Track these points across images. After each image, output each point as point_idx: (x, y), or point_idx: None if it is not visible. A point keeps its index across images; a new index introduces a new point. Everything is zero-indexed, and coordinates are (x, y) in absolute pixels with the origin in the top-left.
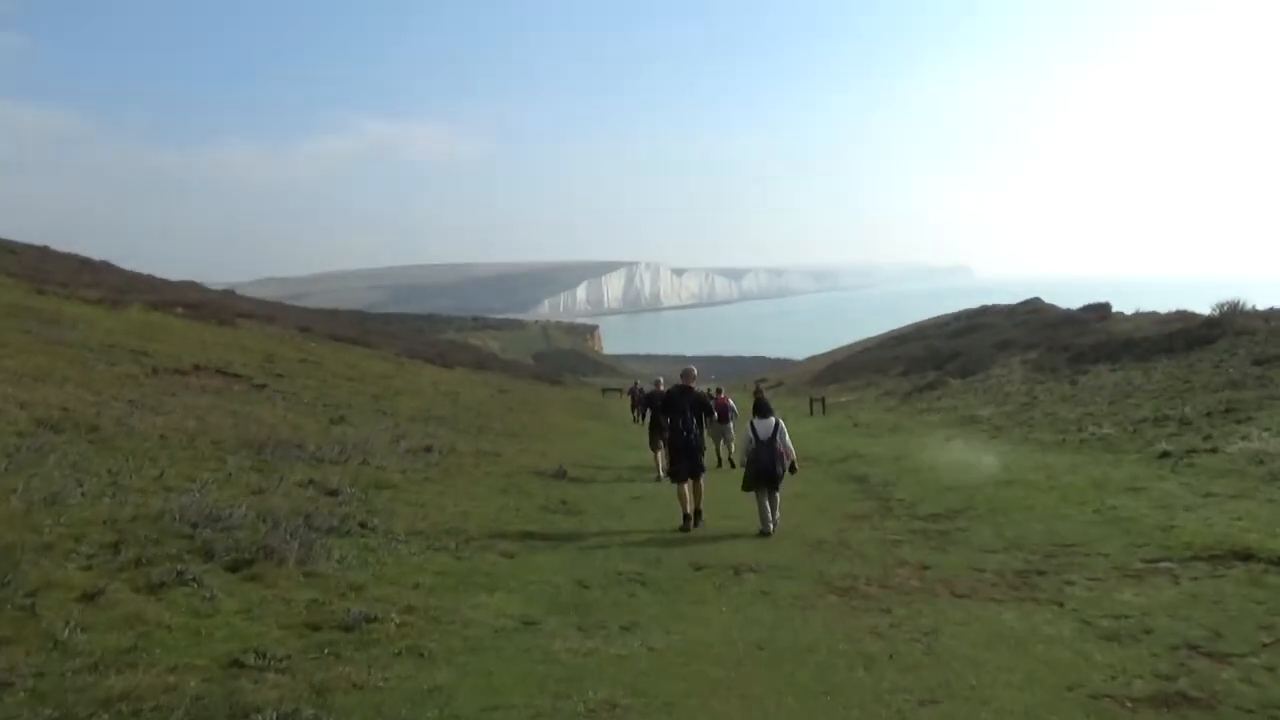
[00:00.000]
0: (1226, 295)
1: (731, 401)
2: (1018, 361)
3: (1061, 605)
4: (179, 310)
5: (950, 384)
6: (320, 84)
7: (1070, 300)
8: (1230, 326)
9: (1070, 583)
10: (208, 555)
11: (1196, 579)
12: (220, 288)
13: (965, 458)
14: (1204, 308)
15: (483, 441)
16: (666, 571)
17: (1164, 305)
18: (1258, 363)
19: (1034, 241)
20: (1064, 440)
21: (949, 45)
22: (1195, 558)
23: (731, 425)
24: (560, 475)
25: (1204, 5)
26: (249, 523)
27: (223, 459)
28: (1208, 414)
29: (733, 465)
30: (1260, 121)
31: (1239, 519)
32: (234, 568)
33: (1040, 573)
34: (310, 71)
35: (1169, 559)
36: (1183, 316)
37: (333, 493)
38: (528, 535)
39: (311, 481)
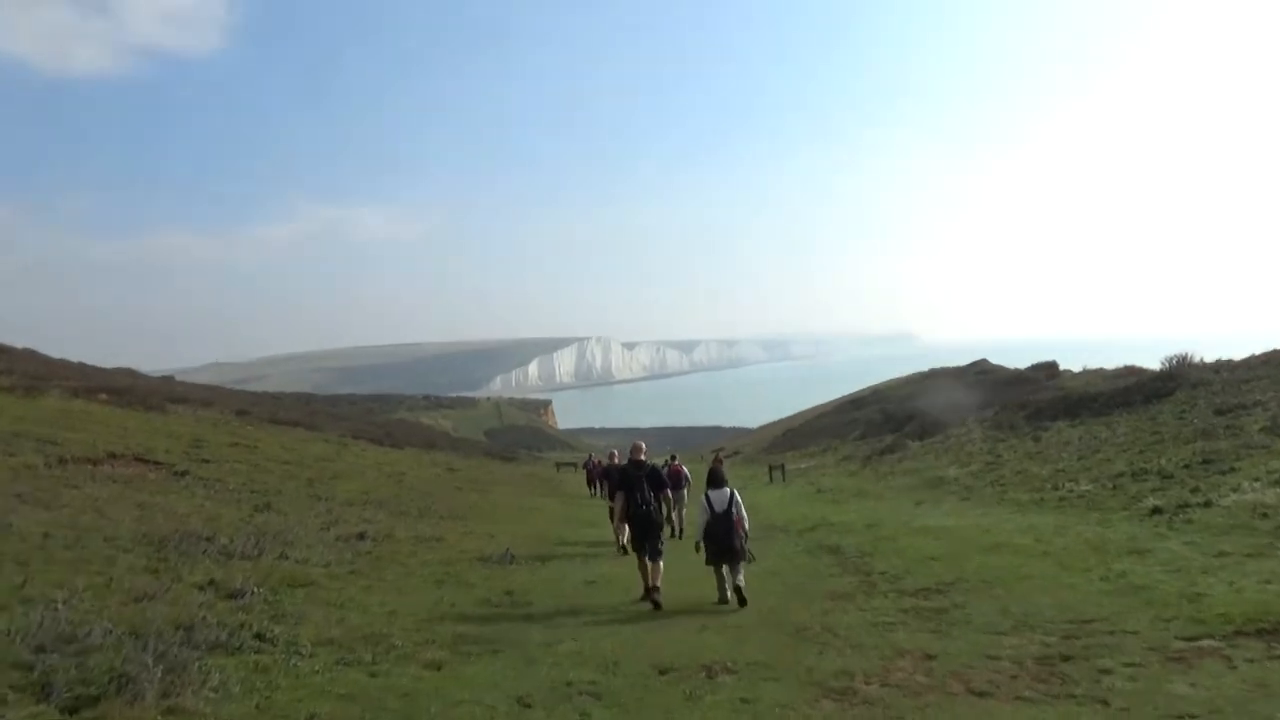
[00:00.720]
0: (1169, 351)
1: (685, 469)
2: (974, 421)
3: (1107, 704)
4: (102, 397)
5: (910, 446)
6: (267, 172)
7: (1013, 361)
8: (1185, 379)
9: (1106, 671)
10: (43, 692)
11: (1253, 660)
12: (161, 375)
13: (943, 522)
14: (1150, 363)
15: (424, 525)
16: (626, 679)
17: (1107, 363)
18: (1220, 412)
19: (974, 306)
20: (1042, 499)
21: (890, 117)
22: (1239, 632)
23: (685, 492)
24: (506, 560)
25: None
26: (111, 643)
27: (112, 559)
28: (1186, 466)
29: (680, 535)
30: (1198, 180)
31: (1268, 582)
32: (72, 708)
33: (1066, 658)
34: (257, 161)
35: (1210, 636)
36: (1132, 371)
37: (234, 595)
38: (462, 638)
39: (212, 582)
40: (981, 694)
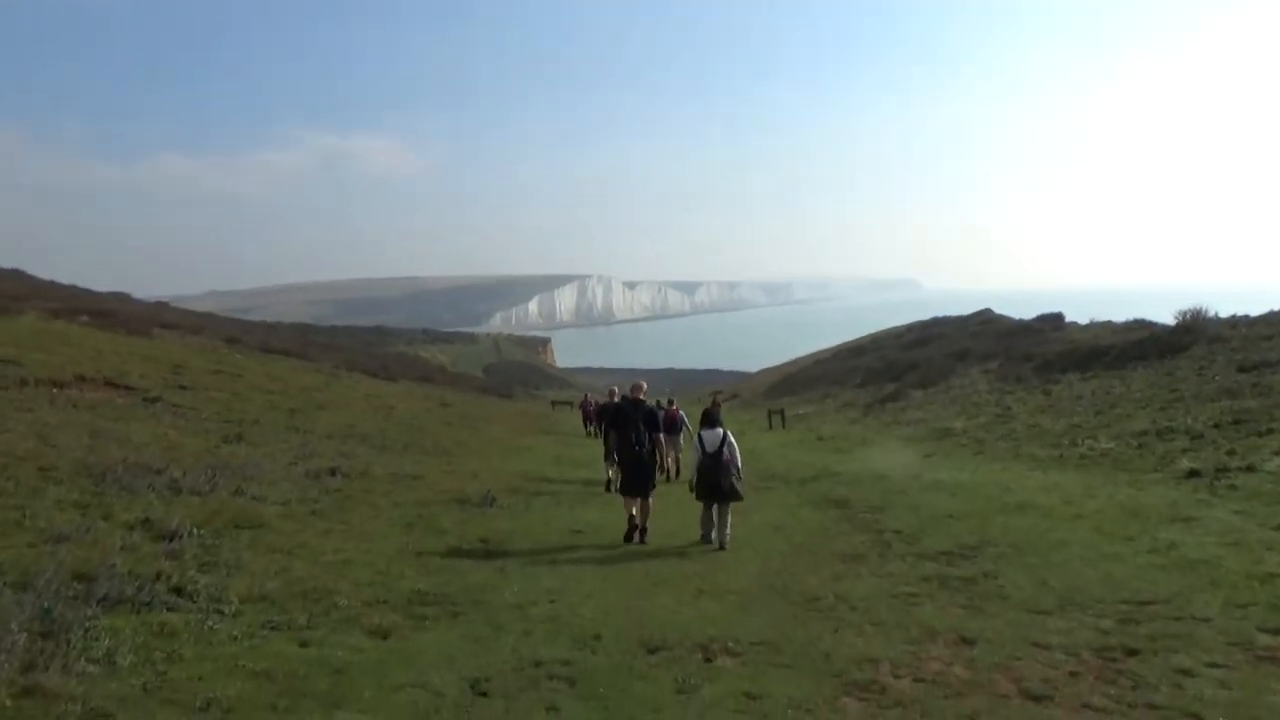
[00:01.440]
0: (1177, 304)
1: (683, 413)
2: (977, 371)
3: (1199, 718)
4: (83, 318)
5: (912, 395)
6: (267, 98)
7: (1019, 312)
8: (1201, 333)
9: (1186, 672)
10: None
11: None
12: (156, 300)
13: (956, 476)
14: (1156, 317)
15: (405, 461)
16: (607, 658)
17: (1114, 315)
18: (1243, 370)
19: (980, 255)
20: (1061, 456)
21: (892, 60)
22: None
23: (681, 437)
24: (487, 503)
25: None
26: None
27: (39, 491)
28: (1215, 425)
29: (673, 476)
30: (1203, 131)
31: None
32: None
33: (1131, 652)
34: (257, 86)
35: None
36: (1143, 325)
37: (166, 537)
38: (421, 597)
39: (145, 521)
40: (1038, 698)
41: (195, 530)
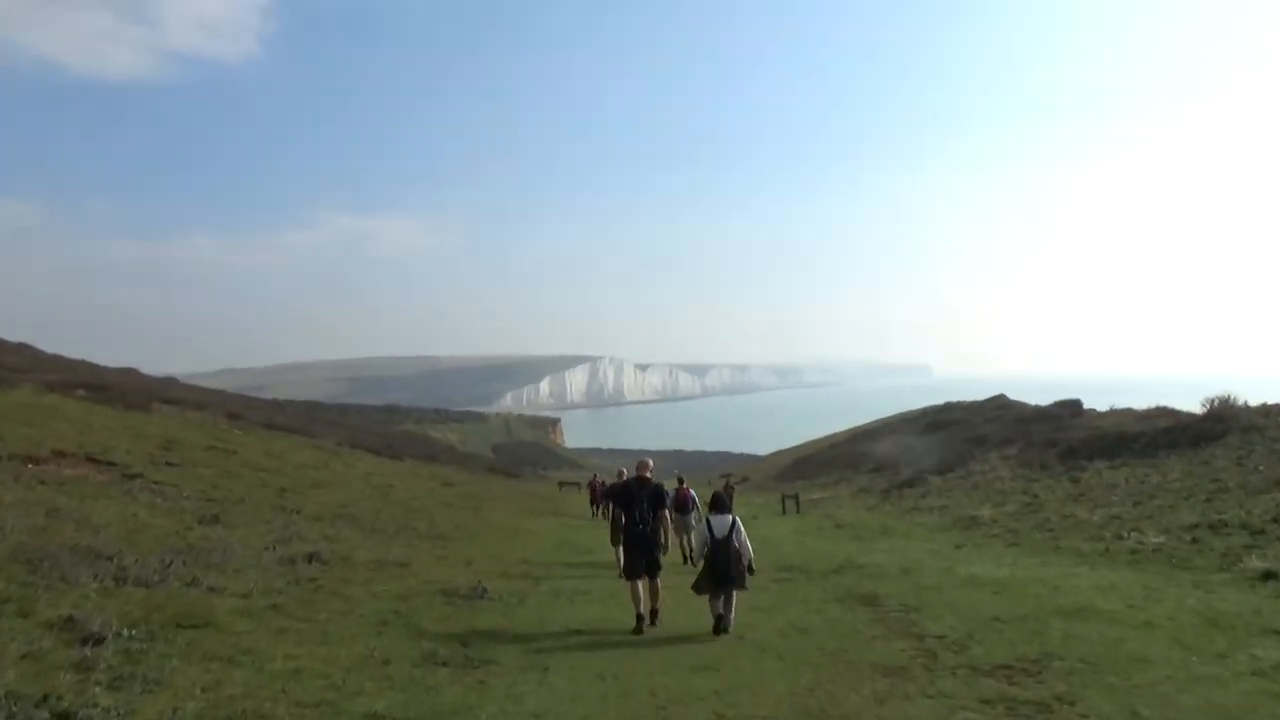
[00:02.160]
0: (1192, 392)
1: (694, 493)
2: (996, 457)
3: None
4: (79, 392)
5: (930, 481)
6: (290, 181)
7: (1033, 398)
8: (1235, 422)
9: None
10: None
11: None
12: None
13: (995, 572)
14: (1177, 403)
15: (395, 546)
16: None
17: (1131, 403)
18: None
19: (991, 341)
20: (1107, 550)
21: (912, 148)
22: None
23: (692, 517)
24: (477, 594)
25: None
26: None
27: None
28: (1274, 519)
29: (693, 562)
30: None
31: None
32: None
33: None
34: (281, 168)
35: None
36: (1166, 413)
37: (87, 640)
38: None
39: (69, 620)
40: None
41: (124, 631)
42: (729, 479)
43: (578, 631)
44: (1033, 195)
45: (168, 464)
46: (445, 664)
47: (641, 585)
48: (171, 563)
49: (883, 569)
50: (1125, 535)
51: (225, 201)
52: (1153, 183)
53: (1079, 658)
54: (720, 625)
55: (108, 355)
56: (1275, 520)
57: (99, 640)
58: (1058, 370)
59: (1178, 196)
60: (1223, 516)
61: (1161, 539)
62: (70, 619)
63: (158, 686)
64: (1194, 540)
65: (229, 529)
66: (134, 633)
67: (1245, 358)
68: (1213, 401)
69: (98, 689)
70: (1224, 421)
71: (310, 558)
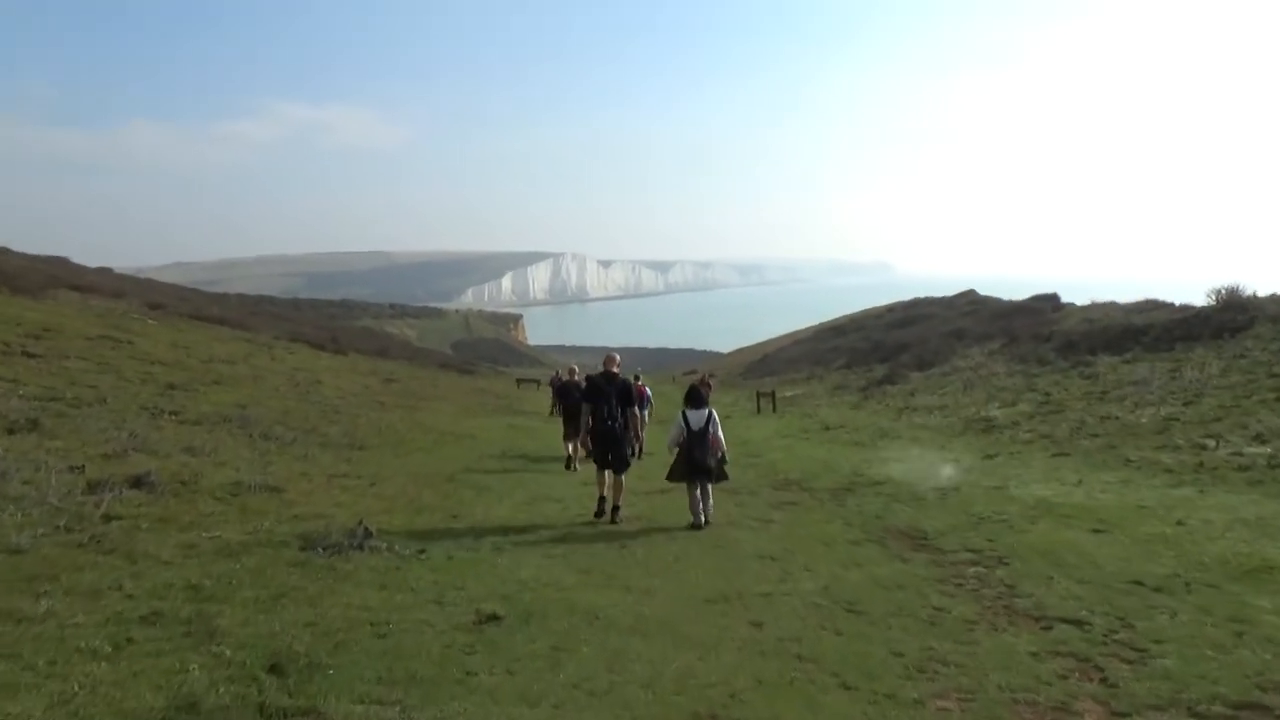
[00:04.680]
0: (1151, 293)
1: (648, 390)
2: (979, 352)
3: None
4: None
5: (910, 376)
6: (238, 67)
7: (1002, 295)
8: (1261, 311)
9: None
10: None
11: None
12: (123, 271)
13: (1069, 496)
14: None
15: (280, 461)
16: None
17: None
18: None
19: (952, 240)
20: (1202, 464)
21: (860, 39)
22: None
23: (646, 413)
24: (353, 544)
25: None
26: None
27: None
28: None
29: (639, 456)
30: (1181, 122)
31: None
32: None
33: None
34: (228, 54)
35: None
36: (1158, 305)
37: None
38: None
39: None
40: None
41: None
42: (706, 375)
43: (491, 616)
44: (997, 93)
45: (25, 353)
46: (233, 709)
47: (608, 477)
48: None
49: (910, 489)
50: (1212, 443)
51: (175, 89)
52: (1116, 76)
53: None
54: (696, 522)
55: (55, 249)
56: None
57: None
58: (1022, 272)
59: (1136, 92)
60: None
61: (1265, 449)
62: None
63: None
64: None
65: (44, 438)
66: None
67: (1200, 262)
68: (1219, 292)
69: None
70: (1247, 311)
71: (137, 481)
